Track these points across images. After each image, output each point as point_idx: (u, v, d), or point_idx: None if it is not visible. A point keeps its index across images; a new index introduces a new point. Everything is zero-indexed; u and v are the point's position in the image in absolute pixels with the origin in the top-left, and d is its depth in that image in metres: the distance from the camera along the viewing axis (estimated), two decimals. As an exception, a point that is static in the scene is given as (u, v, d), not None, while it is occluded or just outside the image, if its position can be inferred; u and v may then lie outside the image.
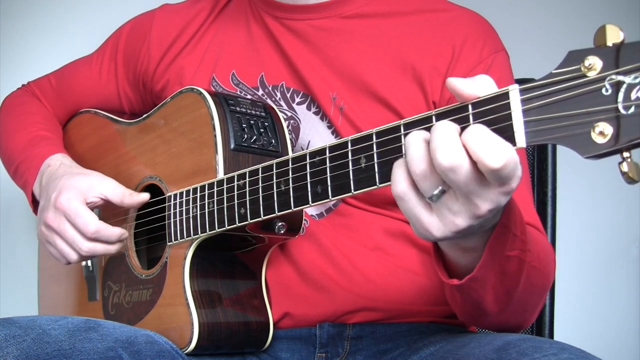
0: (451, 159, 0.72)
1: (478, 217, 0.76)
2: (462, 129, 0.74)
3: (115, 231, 1.19)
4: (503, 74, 1.18)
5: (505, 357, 0.88)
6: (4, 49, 1.88)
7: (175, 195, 1.16)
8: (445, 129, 0.74)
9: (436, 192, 0.75)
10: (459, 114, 0.76)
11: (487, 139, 0.71)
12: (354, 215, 1.19)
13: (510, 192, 0.75)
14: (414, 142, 0.76)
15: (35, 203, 1.32)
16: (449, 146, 0.72)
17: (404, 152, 0.79)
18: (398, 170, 0.78)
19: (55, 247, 1.22)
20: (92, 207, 1.22)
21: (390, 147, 0.81)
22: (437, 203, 0.76)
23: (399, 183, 0.77)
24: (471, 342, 0.97)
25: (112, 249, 1.21)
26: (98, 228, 1.18)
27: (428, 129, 0.76)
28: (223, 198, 1.06)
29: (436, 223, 0.77)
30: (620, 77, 0.66)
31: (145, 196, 1.22)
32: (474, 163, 0.73)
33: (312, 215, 1.19)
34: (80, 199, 1.20)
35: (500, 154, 0.71)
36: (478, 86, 0.75)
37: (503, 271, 0.90)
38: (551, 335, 1.41)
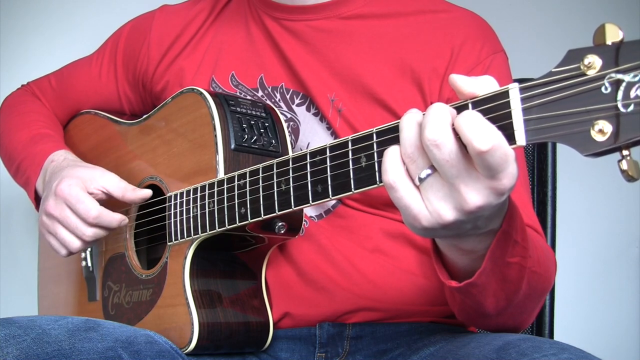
0: (435, 134, 0.73)
1: (466, 212, 0.75)
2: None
3: (115, 217, 1.19)
4: (502, 75, 1.18)
5: (505, 357, 0.88)
6: (4, 49, 1.88)
7: (175, 195, 1.16)
8: (438, 107, 0.74)
9: (422, 175, 0.76)
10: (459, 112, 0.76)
11: (477, 122, 0.71)
12: (353, 217, 1.19)
13: (502, 191, 0.74)
14: (407, 123, 0.77)
15: (37, 200, 1.31)
16: (436, 122, 0.73)
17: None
18: (388, 159, 0.78)
19: (57, 236, 1.22)
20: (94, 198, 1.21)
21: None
22: (425, 185, 0.76)
23: (389, 172, 0.77)
24: (471, 342, 0.97)
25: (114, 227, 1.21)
26: (100, 213, 1.18)
27: None
28: (223, 198, 1.06)
29: (424, 212, 0.77)
30: (619, 76, 0.66)
31: (147, 192, 1.21)
32: (461, 145, 0.73)
33: (311, 217, 1.19)
34: (81, 186, 1.19)
35: (489, 137, 0.70)
36: (480, 85, 0.75)
37: (503, 277, 0.90)
38: (551, 335, 1.41)
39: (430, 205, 0.76)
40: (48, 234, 1.24)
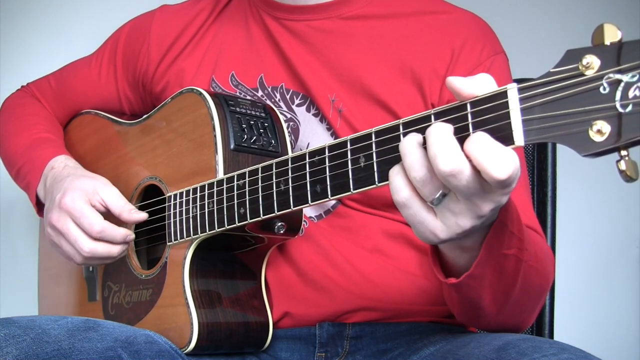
0: (452, 164, 0.72)
1: (480, 217, 0.77)
2: (457, 130, 0.75)
3: (120, 231, 1.18)
4: (502, 76, 1.18)
5: (505, 357, 0.88)
6: (4, 49, 1.88)
7: (175, 195, 1.16)
8: (441, 132, 0.74)
9: (437, 195, 0.76)
10: (457, 113, 0.76)
11: (492, 150, 0.71)
12: (353, 217, 1.19)
13: (510, 191, 0.76)
14: (409, 148, 0.76)
15: (39, 205, 1.31)
16: (448, 152, 0.73)
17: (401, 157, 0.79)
18: (396, 178, 0.78)
19: (61, 248, 1.22)
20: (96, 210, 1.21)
21: (389, 147, 0.82)
22: (439, 206, 0.77)
23: (400, 191, 0.77)
24: (471, 342, 0.97)
25: (115, 250, 1.19)
26: (103, 227, 1.17)
27: (423, 130, 0.77)
28: (223, 198, 1.06)
29: (440, 225, 0.78)
30: (618, 76, 0.66)
31: (143, 215, 1.21)
32: (475, 168, 0.73)
33: (310, 217, 1.19)
34: (85, 199, 1.19)
35: (506, 164, 0.71)
36: (478, 85, 0.75)
37: (500, 269, 0.90)
38: (551, 335, 1.41)
39: (446, 221, 0.77)
40: (54, 245, 1.24)
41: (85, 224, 1.17)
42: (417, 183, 0.76)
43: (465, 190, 0.74)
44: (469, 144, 0.72)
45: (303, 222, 1.16)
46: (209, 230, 1.09)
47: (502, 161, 0.71)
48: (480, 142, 0.72)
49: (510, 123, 0.72)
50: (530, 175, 1.46)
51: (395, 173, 0.78)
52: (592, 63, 0.68)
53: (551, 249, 1.40)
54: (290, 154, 0.99)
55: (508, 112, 0.72)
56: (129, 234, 1.19)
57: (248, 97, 1.23)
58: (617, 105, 0.66)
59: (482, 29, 1.23)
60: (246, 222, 1.03)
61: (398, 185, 0.77)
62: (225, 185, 1.06)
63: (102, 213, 1.20)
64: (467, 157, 0.73)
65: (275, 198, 0.97)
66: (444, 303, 1.11)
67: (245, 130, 1.13)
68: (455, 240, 0.80)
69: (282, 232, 1.08)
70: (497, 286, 0.92)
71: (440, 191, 0.76)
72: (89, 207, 1.18)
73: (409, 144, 0.76)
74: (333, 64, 1.21)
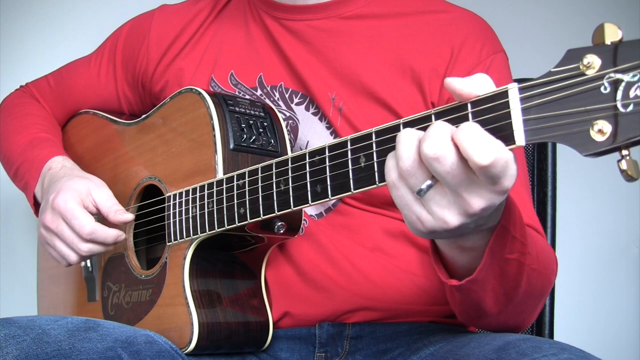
0: (436, 148, 0.73)
1: (471, 215, 0.76)
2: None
3: (111, 233, 1.19)
4: (502, 74, 1.19)
5: (505, 357, 0.88)
6: (3, 49, 1.88)
7: (174, 195, 1.16)
8: (438, 123, 0.75)
9: (423, 187, 0.76)
10: (458, 112, 0.76)
11: (476, 136, 0.71)
12: (354, 215, 1.19)
13: (504, 191, 0.75)
14: (403, 138, 0.77)
15: (37, 205, 1.32)
16: (436, 137, 0.73)
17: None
18: (390, 161, 0.79)
19: (55, 249, 1.23)
20: (89, 212, 1.21)
21: (390, 146, 0.82)
22: (425, 198, 0.77)
23: (391, 171, 0.78)
24: (471, 342, 0.97)
25: (111, 249, 1.22)
26: (93, 229, 1.18)
27: (425, 129, 0.77)
28: (222, 198, 1.06)
29: (426, 213, 0.78)
30: (618, 75, 0.66)
31: (130, 217, 1.21)
32: (462, 157, 0.73)
33: (311, 216, 1.19)
34: (77, 200, 1.20)
35: (489, 151, 0.71)
36: (476, 85, 0.75)
37: (502, 273, 0.90)
38: (551, 335, 1.41)
39: (433, 213, 0.77)
40: (47, 245, 1.25)
41: (76, 225, 1.18)
42: (403, 173, 0.76)
43: (450, 179, 0.74)
44: (456, 132, 0.73)
45: (303, 221, 1.16)
46: (208, 231, 1.09)
47: (486, 148, 0.71)
48: (467, 130, 0.72)
49: (511, 123, 0.72)
50: (530, 175, 1.46)
51: (390, 156, 0.79)
52: (592, 62, 0.68)
53: (551, 248, 1.40)
54: (290, 154, 0.99)
55: (509, 112, 0.72)
56: (119, 234, 1.20)
57: (247, 97, 1.23)
58: (618, 104, 0.66)
59: (482, 28, 1.23)
60: (246, 222, 1.03)
61: (390, 166, 0.78)
62: (225, 185, 1.06)
63: (94, 214, 1.21)
64: (455, 145, 0.73)
65: (275, 198, 0.97)
66: (444, 303, 1.11)
67: (245, 130, 1.13)
68: (445, 235, 0.80)
69: (282, 231, 1.08)
70: (499, 289, 0.92)
71: (426, 183, 0.76)
72: (81, 208, 1.19)
73: (405, 134, 0.77)
74: (333, 63, 1.21)
